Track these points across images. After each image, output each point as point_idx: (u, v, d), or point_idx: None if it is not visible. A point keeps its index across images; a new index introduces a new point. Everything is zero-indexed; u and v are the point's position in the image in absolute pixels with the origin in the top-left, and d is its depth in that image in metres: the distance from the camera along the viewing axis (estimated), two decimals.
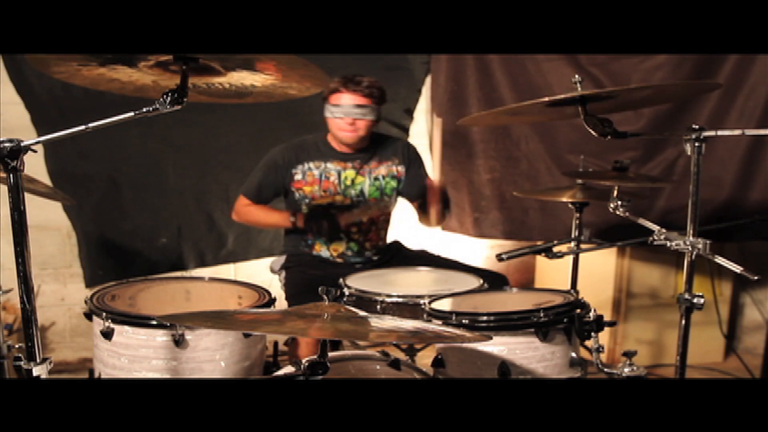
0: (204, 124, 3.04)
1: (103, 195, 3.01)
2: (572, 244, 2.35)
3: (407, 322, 1.26)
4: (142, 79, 1.41)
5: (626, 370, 1.66)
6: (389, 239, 2.70)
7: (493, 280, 2.24)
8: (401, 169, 2.58)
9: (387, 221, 2.65)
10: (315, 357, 1.18)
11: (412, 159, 2.61)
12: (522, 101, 1.79)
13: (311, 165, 2.48)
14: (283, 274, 2.52)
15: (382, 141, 2.59)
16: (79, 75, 1.37)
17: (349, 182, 2.50)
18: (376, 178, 2.53)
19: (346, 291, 2.08)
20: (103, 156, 2.97)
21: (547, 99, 1.64)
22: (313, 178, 2.48)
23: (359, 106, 2.35)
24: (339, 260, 2.53)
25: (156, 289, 2.01)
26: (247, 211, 2.54)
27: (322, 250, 2.53)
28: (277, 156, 2.50)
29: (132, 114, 1.26)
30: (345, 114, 2.36)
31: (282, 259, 2.59)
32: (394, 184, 2.56)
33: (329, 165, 2.49)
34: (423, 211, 2.47)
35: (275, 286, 2.50)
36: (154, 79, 1.41)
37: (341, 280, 2.17)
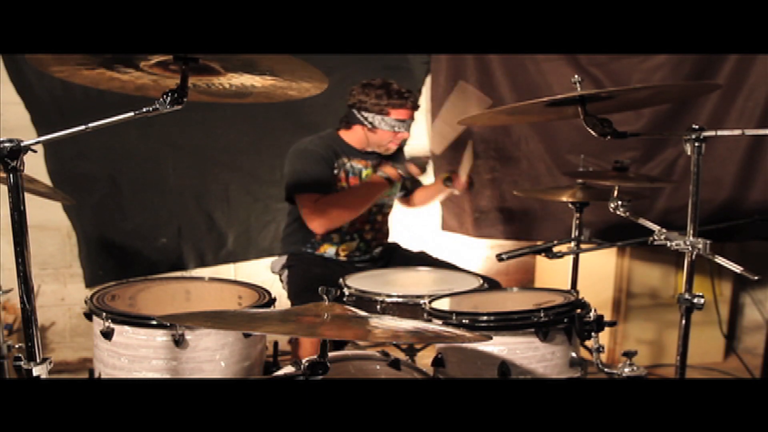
0: (204, 124, 3.04)
1: (103, 195, 3.01)
2: (572, 244, 2.35)
3: (407, 322, 1.26)
4: (142, 78, 1.41)
5: (626, 370, 1.66)
6: (390, 238, 2.72)
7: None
8: (402, 170, 2.59)
9: (387, 220, 2.66)
10: (315, 357, 1.18)
11: (402, 159, 2.66)
12: (522, 101, 1.79)
13: (343, 160, 2.48)
14: (285, 273, 2.52)
15: None
16: (79, 74, 1.37)
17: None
18: (386, 179, 2.54)
19: (346, 291, 2.08)
20: (103, 156, 2.97)
21: (546, 99, 1.64)
22: (345, 174, 2.48)
23: (412, 119, 2.44)
24: (343, 259, 2.54)
25: (156, 289, 2.01)
26: (326, 202, 2.32)
27: (328, 250, 2.53)
28: (317, 149, 2.42)
29: (132, 114, 1.26)
30: (407, 129, 2.43)
31: (282, 259, 2.58)
32: (398, 185, 2.61)
33: (353, 163, 2.50)
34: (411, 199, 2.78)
35: (276, 286, 2.50)
36: (154, 78, 1.41)
37: (341, 280, 2.18)
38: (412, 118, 2.44)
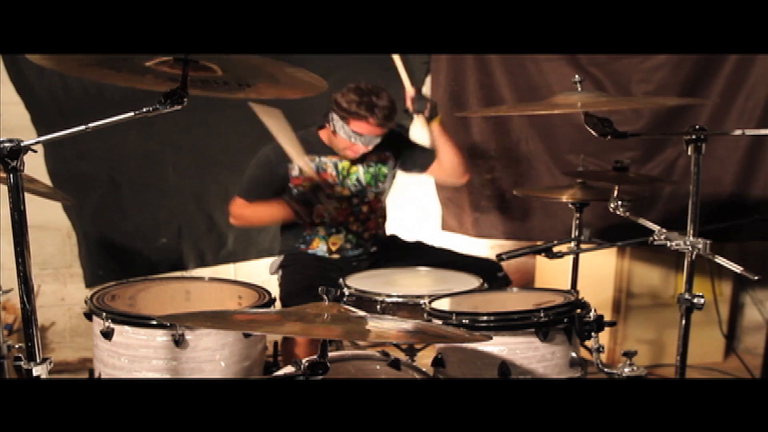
0: (204, 124, 3.04)
1: (103, 195, 3.01)
2: (572, 244, 2.35)
3: (407, 322, 1.26)
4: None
5: (626, 370, 1.66)
6: (388, 232, 2.72)
7: (486, 267, 2.29)
8: (388, 153, 2.61)
9: (383, 209, 2.67)
10: (315, 357, 1.18)
11: (401, 141, 2.66)
12: (522, 101, 1.79)
13: (310, 158, 2.47)
14: (280, 273, 2.53)
15: None
16: (77, 68, 1.37)
17: (345, 172, 2.52)
18: (369, 165, 2.55)
19: (346, 291, 2.08)
20: (103, 156, 2.97)
21: (547, 113, 1.62)
22: (314, 171, 2.48)
23: (378, 136, 2.40)
24: (336, 256, 2.54)
25: (156, 289, 2.01)
26: (243, 212, 2.51)
27: (319, 247, 2.53)
28: (269, 153, 2.47)
29: (132, 114, 1.26)
30: (365, 143, 2.39)
31: (279, 259, 2.59)
32: (385, 169, 2.59)
33: (323, 158, 2.49)
34: (440, 165, 2.60)
35: (273, 285, 2.50)
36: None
37: (341, 280, 2.18)
38: (375, 135, 2.38)
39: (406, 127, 3.37)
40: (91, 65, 1.34)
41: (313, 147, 2.49)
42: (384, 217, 2.69)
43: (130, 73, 1.37)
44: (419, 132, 3.39)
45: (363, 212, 2.57)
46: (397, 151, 2.63)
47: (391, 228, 2.75)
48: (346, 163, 2.51)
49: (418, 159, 2.65)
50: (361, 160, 2.52)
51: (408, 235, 2.82)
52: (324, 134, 2.51)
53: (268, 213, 2.52)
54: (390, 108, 2.36)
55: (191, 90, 1.29)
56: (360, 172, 2.53)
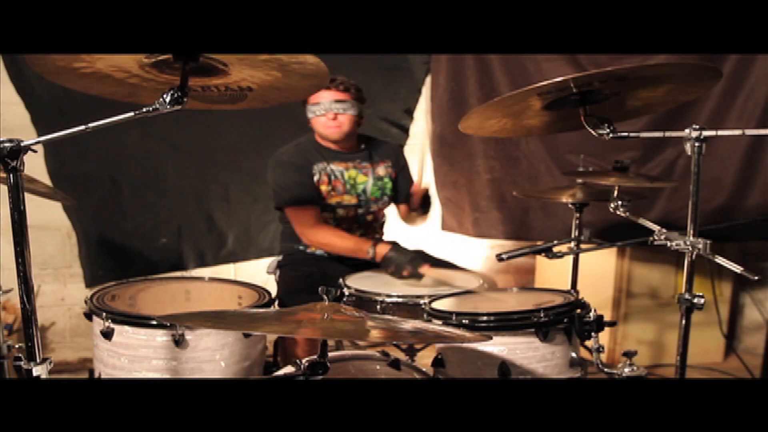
0: (204, 124, 3.04)
1: (103, 195, 3.01)
2: (572, 244, 2.35)
3: (407, 322, 1.26)
4: (135, 80, 1.40)
5: (626, 370, 1.66)
6: (387, 239, 2.71)
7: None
8: (394, 171, 2.62)
9: (384, 217, 2.67)
10: (315, 357, 1.18)
11: (402, 162, 2.67)
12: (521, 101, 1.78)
13: (320, 165, 2.47)
14: (278, 273, 2.53)
15: (376, 143, 2.63)
16: (73, 77, 1.37)
17: (353, 182, 2.51)
18: (378, 178, 2.55)
19: (346, 291, 2.08)
20: (103, 156, 2.98)
21: (537, 85, 1.57)
22: (326, 178, 2.48)
23: (338, 101, 2.37)
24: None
25: (156, 289, 2.01)
26: (322, 228, 2.40)
27: (319, 250, 2.53)
28: (294, 159, 2.45)
29: (132, 114, 1.26)
30: (326, 109, 2.37)
31: (277, 259, 2.59)
32: (390, 185, 2.60)
33: (332, 166, 2.48)
34: (409, 210, 2.66)
35: (272, 285, 2.50)
36: (148, 82, 1.40)
37: (341, 280, 2.17)
38: (336, 101, 2.35)
39: (406, 127, 3.38)
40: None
41: (318, 152, 2.48)
42: (384, 224, 2.70)
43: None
44: (420, 133, 3.40)
45: (367, 221, 2.57)
46: (398, 172, 2.64)
47: (392, 229, 2.75)
48: (353, 172, 2.51)
49: (404, 189, 2.65)
50: (372, 170, 2.53)
51: (408, 236, 2.82)
52: (318, 137, 2.51)
53: (345, 244, 2.39)
54: (349, 82, 2.39)
55: (193, 104, 1.29)
56: (368, 183, 2.53)
